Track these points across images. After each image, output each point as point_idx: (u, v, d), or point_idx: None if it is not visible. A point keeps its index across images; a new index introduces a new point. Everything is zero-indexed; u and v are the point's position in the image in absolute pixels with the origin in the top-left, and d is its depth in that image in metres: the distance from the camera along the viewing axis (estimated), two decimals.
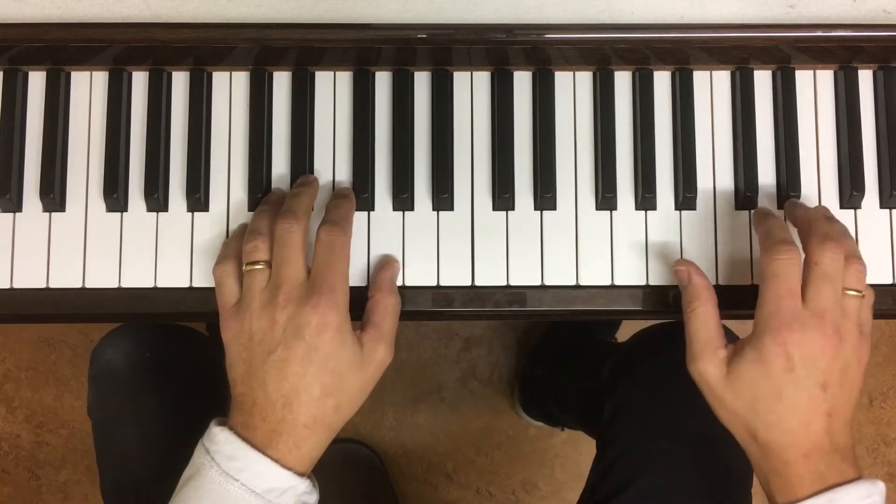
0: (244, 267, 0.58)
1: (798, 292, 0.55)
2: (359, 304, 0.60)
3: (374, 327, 0.58)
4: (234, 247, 0.60)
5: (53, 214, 0.64)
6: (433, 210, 0.64)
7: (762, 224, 0.60)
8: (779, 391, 0.54)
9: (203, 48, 0.63)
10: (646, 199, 0.63)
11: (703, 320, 0.58)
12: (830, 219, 0.60)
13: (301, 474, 0.55)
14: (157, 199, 0.63)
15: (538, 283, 0.63)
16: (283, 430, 0.54)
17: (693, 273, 0.60)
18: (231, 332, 0.57)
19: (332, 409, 0.56)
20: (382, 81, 0.65)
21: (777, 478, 0.55)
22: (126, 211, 0.64)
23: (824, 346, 0.54)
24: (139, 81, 0.65)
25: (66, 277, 0.63)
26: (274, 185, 0.64)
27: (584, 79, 0.65)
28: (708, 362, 0.57)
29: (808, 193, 0.64)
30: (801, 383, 0.54)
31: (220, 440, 0.55)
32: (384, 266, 0.62)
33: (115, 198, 0.63)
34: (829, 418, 0.54)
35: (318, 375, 0.55)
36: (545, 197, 0.63)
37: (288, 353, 0.54)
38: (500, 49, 0.63)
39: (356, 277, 0.62)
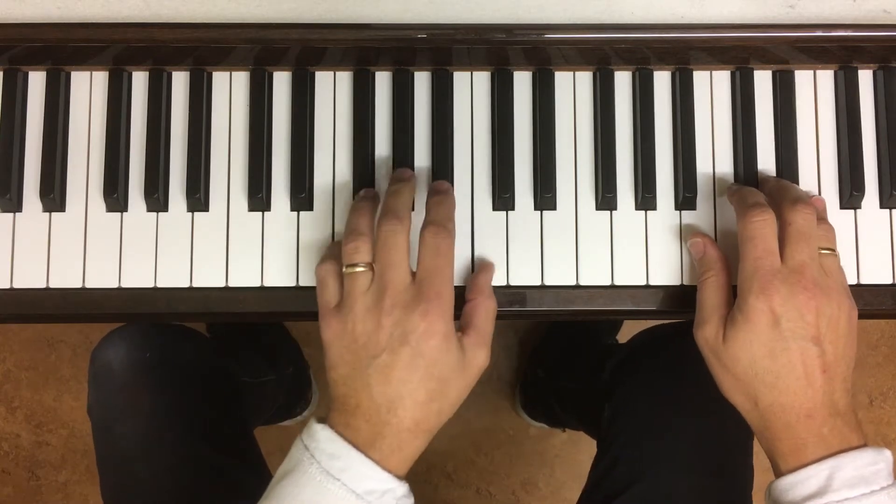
0: (345, 269, 0.57)
1: (776, 251, 0.56)
2: None
3: (476, 331, 0.57)
4: (334, 250, 0.59)
5: (53, 214, 0.64)
6: None
7: (736, 193, 0.61)
8: (771, 349, 0.54)
9: (203, 48, 0.63)
10: (646, 199, 0.63)
11: (714, 289, 0.59)
12: (790, 186, 0.62)
13: (400, 477, 0.55)
14: (157, 199, 0.63)
15: (538, 283, 0.63)
16: (387, 433, 0.54)
17: (708, 245, 0.61)
18: (333, 331, 0.56)
19: (435, 414, 0.56)
20: (382, 81, 0.65)
21: (780, 443, 0.55)
22: (126, 211, 0.64)
23: (807, 298, 0.54)
24: (139, 81, 0.65)
25: (66, 277, 0.63)
26: (274, 185, 0.64)
27: (584, 79, 0.65)
28: (712, 327, 0.57)
29: (809, 193, 0.64)
30: (791, 337, 0.54)
31: (321, 438, 0.54)
32: (482, 269, 0.61)
33: (115, 198, 0.63)
34: (825, 374, 0.54)
35: (423, 381, 0.54)
36: (545, 197, 0.63)
37: (394, 358, 0.54)
38: (500, 49, 0.63)
39: None
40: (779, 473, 0.55)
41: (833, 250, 0.58)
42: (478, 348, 0.57)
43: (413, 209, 0.62)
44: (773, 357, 0.54)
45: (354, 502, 0.52)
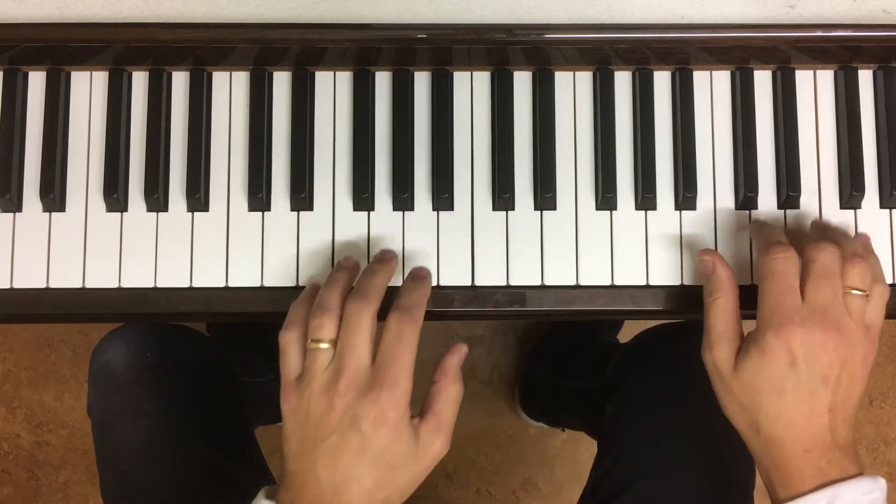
0: (309, 342, 0.56)
1: (797, 288, 0.56)
2: None
3: (435, 417, 0.56)
4: (302, 314, 0.57)
5: (53, 214, 0.64)
6: (433, 210, 0.64)
7: (758, 231, 0.60)
8: (781, 386, 0.54)
9: (203, 48, 0.63)
10: (646, 199, 0.63)
11: (723, 311, 0.58)
12: (831, 227, 0.61)
13: None
14: (157, 199, 0.63)
15: (538, 283, 0.63)
16: None
17: (717, 263, 0.59)
18: (289, 405, 0.55)
19: (382, 501, 0.55)
20: (382, 81, 0.65)
21: (778, 472, 0.55)
22: (126, 211, 0.64)
23: (825, 340, 0.54)
24: (139, 81, 0.65)
25: (66, 277, 0.63)
26: (274, 185, 0.64)
27: (584, 79, 0.65)
28: (721, 352, 0.57)
29: (808, 193, 0.64)
30: (803, 378, 0.54)
31: None
32: (451, 351, 0.60)
33: (115, 198, 0.63)
34: (830, 413, 0.54)
35: (370, 469, 0.53)
36: (545, 197, 0.63)
37: (342, 442, 0.53)
38: (500, 49, 0.63)
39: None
40: (776, 499, 0.56)
41: (864, 291, 0.57)
42: (434, 435, 0.56)
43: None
44: (782, 394, 0.54)
45: None
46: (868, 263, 0.58)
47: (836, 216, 0.64)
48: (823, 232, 0.60)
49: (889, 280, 0.63)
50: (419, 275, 0.61)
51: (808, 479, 0.54)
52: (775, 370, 0.54)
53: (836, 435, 0.55)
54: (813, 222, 0.63)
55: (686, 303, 0.63)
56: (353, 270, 0.60)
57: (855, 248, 0.58)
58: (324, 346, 0.55)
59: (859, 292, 0.56)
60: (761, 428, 0.55)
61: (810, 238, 0.57)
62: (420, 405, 0.57)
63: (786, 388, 0.54)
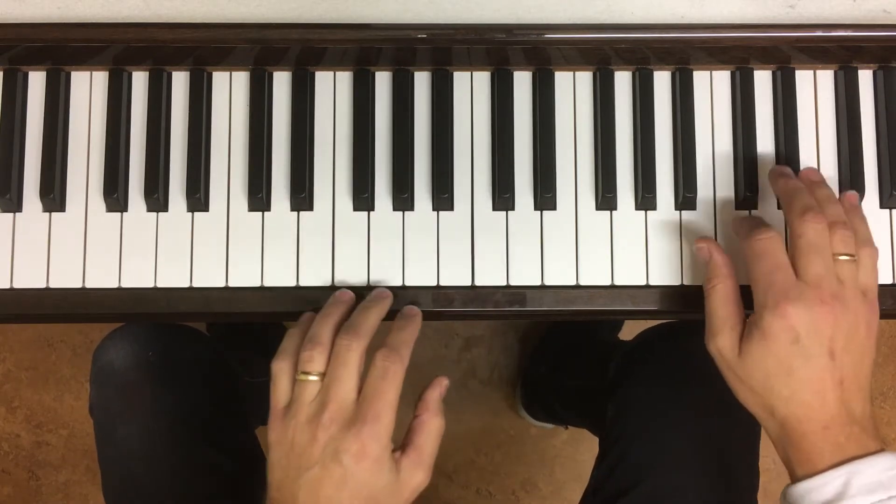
0: (298, 374, 0.57)
1: (787, 264, 0.56)
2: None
3: (416, 451, 0.57)
4: (296, 343, 0.59)
5: (53, 214, 0.64)
6: (433, 210, 0.64)
7: (739, 222, 0.61)
8: (788, 365, 0.54)
9: (203, 48, 0.63)
10: (646, 198, 0.63)
11: (722, 297, 0.58)
12: (816, 184, 0.60)
13: None
14: (157, 199, 0.63)
15: (538, 283, 0.63)
16: None
17: (713, 250, 0.60)
18: (275, 434, 0.57)
19: None
20: (382, 81, 0.65)
21: (797, 451, 0.54)
22: (126, 211, 0.64)
23: (825, 312, 0.54)
24: (139, 81, 0.65)
25: (66, 277, 0.63)
26: (274, 185, 0.64)
27: (584, 79, 0.65)
28: (725, 339, 0.57)
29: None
30: (809, 353, 0.54)
31: None
32: (433, 385, 0.60)
33: (115, 198, 0.63)
34: (841, 386, 0.54)
35: (350, 500, 0.54)
36: (545, 197, 0.63)
37: (323, 473, 0.54)
38: (500, 49, 0.63)
39: (356, 278, 0.62)
40: (795, 478, 0.55)
41: (852, 255, 0.56)
42: (415, 468, 0.56)
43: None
44: (790, 373, 0.54)
45: None
46: (850, 228, 0.57)
47: None
48: (811, 190, 0.59)
49: (889, 280, 0.63)
50: (410, 314, 0.62)
51: (826, 456, 0.53)
52: (780, 350, 0.54)
53: (851, 409, 0.54)
54: (801, 174, 0.62)
55: (686, 302, 0.63)
56: (347, 304, 0.61)
57: (837, 215, 0.58)
58: (312, 378, 0.56)
59: (847, 257, 0.56)
60: (776, 410, 0.55)
61: (794, 210, 0.57)
62: (402, 437, 0.58)
63: (793, 367, 0.54)
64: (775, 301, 0.54)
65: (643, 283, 0.63)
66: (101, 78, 0.65)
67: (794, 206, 0.57)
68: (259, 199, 0.63)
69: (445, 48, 0.63)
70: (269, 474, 0.57)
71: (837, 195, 0.64)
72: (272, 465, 0.57)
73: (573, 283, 0.63)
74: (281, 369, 0.58)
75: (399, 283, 0.63)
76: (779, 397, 0.54)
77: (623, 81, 0.65)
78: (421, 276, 0.63)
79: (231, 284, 0.63)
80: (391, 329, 0.60)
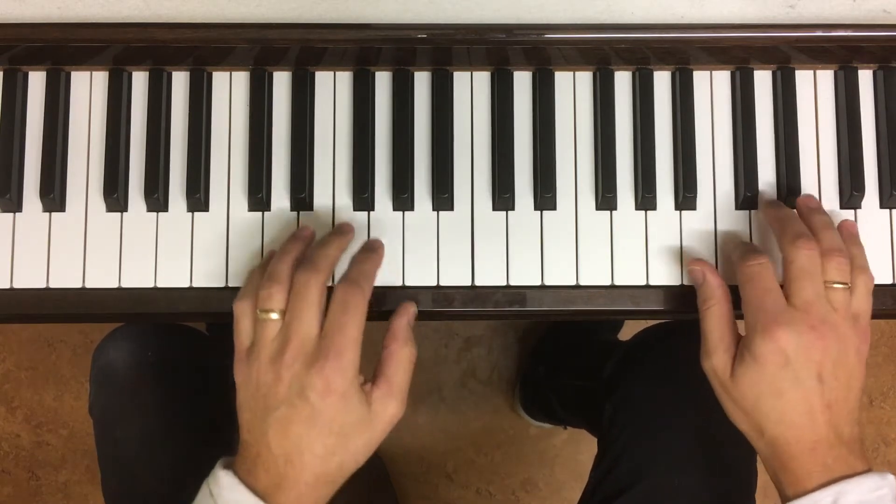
0: (259, 312, 0.56)
1: (777, 289, 0.56)
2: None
3: (386, 381, 0.56)
4: (257, 283, 0.58)
5: (53, 214, 0.64)
6: (433, 210, 0.64)
7: (734, 246, 0.61)
8: (778, 387, 0.55)
9: (203, 48, 0.62)
10: (646, 199, 0.63)
11: (717, 318, 0.58)
12: (814, 210, 0.61)
13: None
14: (157, 199, 0.63)
15: (538, 283, 0.63)
16: (286, 486, 0.54)
17: (707, 272, 0.60)
18: (241, 376, 0.56)
19: (336, 468, 0.55)
20: (382, 81, 0.65)
21: (785, 473, 0.55)
22: (126, 211, 0.64)
23: (814, 338, 0.54)
24: (139, 81, 0.65)
25: (66, 277, 0.63)
26: (274, 185, 0.64)
27: (584, 79, 0.65)
28: (719, 360, 0.57)
29: (808, 193, 0.64)
30: (798, 376, 0.54)
31: (223, 484, 0.54)
32: (399, 312, 0.60)
33: (115, 198, 0.63)
34: (829, 410, 0.55)
35: (321, 437, 0.54)
36: (545, 197, 0.63)
37: (291, 412, 0.54)
38: (500, 49, 0.63)
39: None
40: (784, 498, 0.56)
41: (846, 283, 0.57)
42: (387, 399, 0.56)
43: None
44: (780, 395, 0.55)
45: None
46: (846, 256, 0.57)
47: (836, 216, 0.64)
48: (808, 219, 0.60)
49: (889, 280, 0.63)
50: (371, 246, 0.61)
51: (814, 477, 0.54)
52: (769, 373, 0.55)
53: (839, 432, 0.55)
54: (798, 201, 0.62)
55: (686, 303, 0.63)
56: (306, 241, 0.60)
57: (832, 242, 0.58)
58: (273, 316, 0.55)
59: (841, 285, 0.57)
60: (765, 431, 0.56)
61: (786, 235, 0.57)
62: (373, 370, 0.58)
63: (783, 390, 0.54)
64: (765, 325, 0.55)
65: (643, 283, 0.63)
66: (101, 78, 0.65)
67: (787, 232, 0.58)
68: (259, 199, 0.63)
69: (445, 48, 0.63)
70: (238, 415, 0.56)
71: (838, 198, 0.64)
72: (240, 406, 0.56)
73: (573, 283, 0.63)
74: (242, 309, 0.57)
75: (399, 283, 0.63)
76: (768, 419, 0.55)
77: (623, 81, 0.65)
78: (421, 275, 0.63)
79: (231, 284, 0.63)
80: (351, 262, 0.59)
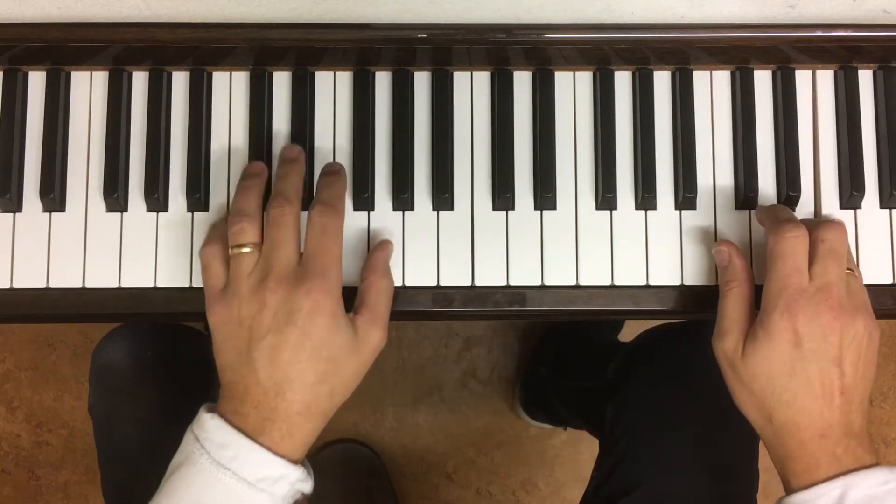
0: (231, 249, 0.56)
1: (805, 269, 0.55)
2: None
3: (368, 310, 0.57)
4: (220, 229, 0.59)
5: (53, 214, 0.64)
6: (433, 210, 0.64)
7: (766, 212, 0.60)
8: (791, 367, 0.54)
9: (203, 48, 0.63)
10: (646, 199, 0.63)
11: (738, 300, 0.58)
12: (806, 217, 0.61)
13: (295, 462, 0.54)
14: (157, 199, 0.63)
15: (538, 283, 0.63)
16: (276, 418, 0.53)
17: (734, 254, 0.60)
18: (218, 317, 0.56)
19: (327, 396, 0.55)
20: (382, 81, 0.65)
21: (793, 461, 0.54)
22: (126, 211, 0.64)
23: (832, 319, 0.54)
24: (139, 81, 0.65)
25: (66, 277, 0.63)
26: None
27: (584, 79, 0.65)
28: (732, 340, 0.57)
29: (808, 193, 0.64)
30: (812, 357, 0.54)
31: (209, 427, 0.54)
32: (377, 248, 0.61)
33: (115, 198, 0.63)
34: (842, 395, 0.54)
35: (311, 362, 0.53)
36: (545, 197, 0.63)
37: (279, 339, 0.53)
38: (500, 49, 0.63)
39: (355, 277, 0.62)
40: (789, 490, 0.55)
41: (853, 270, 0.57)
42: (371, 326, 0.56)
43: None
44: (792, 376, 0.54)
45: (247, 491, 0.52)
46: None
47: (836, 216, 0.64)
48: (808, 221, 0.60)
49: (889, 280, 0.63)
50: (332, 170, 0.61)
51: (823, 467, 0.53)
52: (783, 351, 0.54)
53: (850, 420, 0.54)
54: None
55: (687, 303, 0.63)
56: (262, 175, 0.60)
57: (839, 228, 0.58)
58: (247, 249, 0.55)
59: (851, 271, 0.57)
60: (774, 415, 0.55)
61: (817, 221, 0.57)
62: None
63: (795, 370, 0.54)
64: (786, 304, 0.54)
65: (643, 283, 0.63)
66: (101, 78, 0.65)
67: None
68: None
69: (445, 48, 0.63)
70: (217, 360, 0.56)
71: (838, 197, 0.64)
72: (218, 350, 0.55)
73: (573, 283, 0.63)
74: (211, 253, 0.57)
75: (399, 283, 0.63)
76: (779, 401, 0.54)
77: (623, 81, 0.65)
78: (421, 275, 0.63)
79: None
80: (319, 187, 0.59)
